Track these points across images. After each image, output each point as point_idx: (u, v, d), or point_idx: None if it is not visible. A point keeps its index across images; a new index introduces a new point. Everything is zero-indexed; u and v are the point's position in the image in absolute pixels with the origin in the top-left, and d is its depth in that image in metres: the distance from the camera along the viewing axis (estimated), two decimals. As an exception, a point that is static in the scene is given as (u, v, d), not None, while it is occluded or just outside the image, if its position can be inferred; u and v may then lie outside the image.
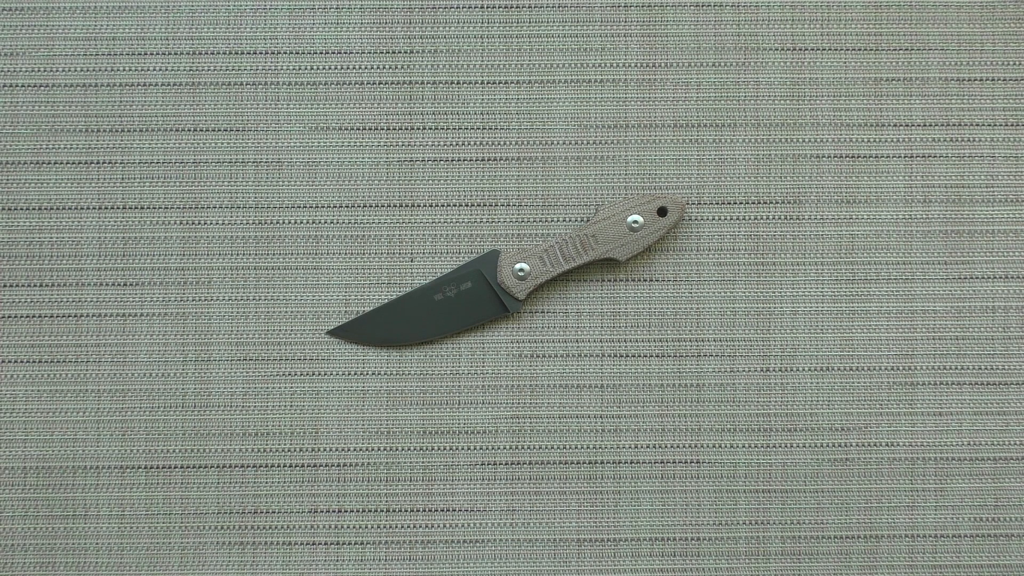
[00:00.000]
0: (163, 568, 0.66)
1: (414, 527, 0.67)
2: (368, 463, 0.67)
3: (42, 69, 0.67)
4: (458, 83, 0.67)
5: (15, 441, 0.66)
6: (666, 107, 0.67)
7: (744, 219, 0.67)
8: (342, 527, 0.67)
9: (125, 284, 0.67)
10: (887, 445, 0.67)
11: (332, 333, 0.67)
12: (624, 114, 0.67)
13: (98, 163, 0.67)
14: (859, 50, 0.67)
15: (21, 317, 0.66)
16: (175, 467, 0.66)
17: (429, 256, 0.67)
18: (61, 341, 0.66)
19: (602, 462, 0.67)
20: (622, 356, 0.67)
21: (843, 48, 0.67)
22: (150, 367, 0.66)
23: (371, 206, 0.67)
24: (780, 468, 0.67)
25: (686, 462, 0.67)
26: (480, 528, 0.67)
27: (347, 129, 0.67)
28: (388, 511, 0.67)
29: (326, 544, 0.67)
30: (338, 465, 0.67)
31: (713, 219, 0.67)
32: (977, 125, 0.67)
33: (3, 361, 0.66)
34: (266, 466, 0.67)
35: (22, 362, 0.66)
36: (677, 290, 0.67)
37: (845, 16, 0.67)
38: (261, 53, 0.67)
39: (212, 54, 0.67)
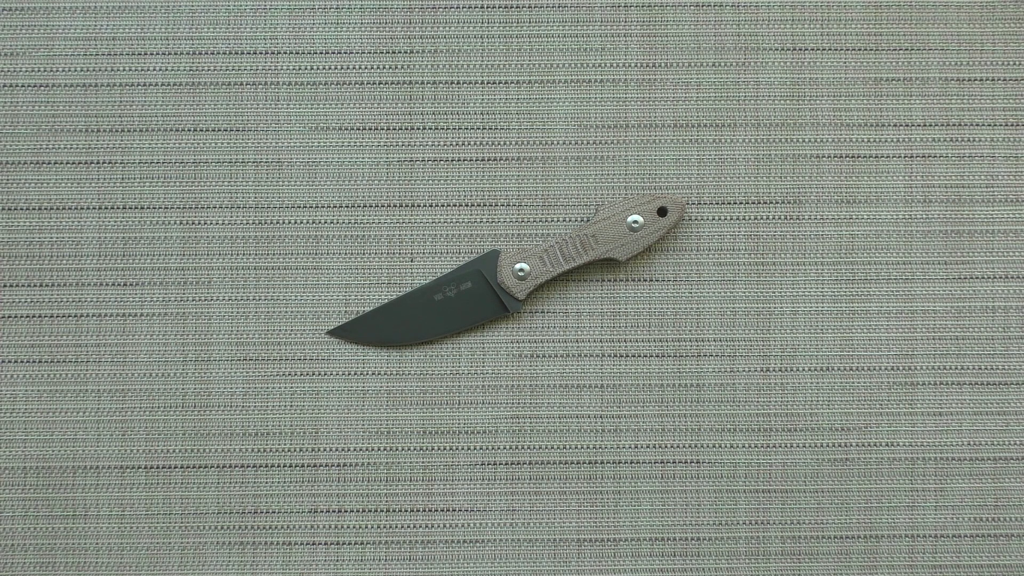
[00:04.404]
0: (163, 568, 0.66)
1: (414, 527, 0.67)
2: (368, 463, 0.67)
3: (42, 69, 0.67)
4: (458, 83, 0.67)
5: (15, 441, 0.66)
6: (666, 107, 0.67)
7: (744, 219, 0.67)
8: (342, 527, 0.67)
9: (125, 284, 0.67)
10: (887, 445, 0.67)
11: (332, 333, 0.67)
12: (624, 114, 0.67)
13: (98, 163, 0.67)
14: (859, 50, 0.67)
15: (21, 317, 0.66)
16: (175, 467, 0.66)
17: (429, 256, 0.67)
18: (61, 341, 0.66)
19: (602, 462, 0.67)
20: (622, 356, 0.67)
21: (843, 48, 0.67)
22: (150, 367, 0.66)
23: (371, 206, 0.67)
24: (780, 468, 0.67)
25: (686, 462, 0.67)
26: (480, 528, 0.67)
27: (347, 129, 0.67)
28: (388, 511, 0.67)
29: (326, 544, 0.67)
30: (338, 465, 0.67)
31: (713, 219, 0.67)
32: (977, 125, 0.67)
33: (3, 361, 0.66)
34: (266, 466, 0.67)
35: (22, 362, 0.66)
36: (677, 290, 0.67)
37: (845, 16, 0.67)
38: (261, 53, 0.67)
39: (212, 54, 0.67)
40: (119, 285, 0.66)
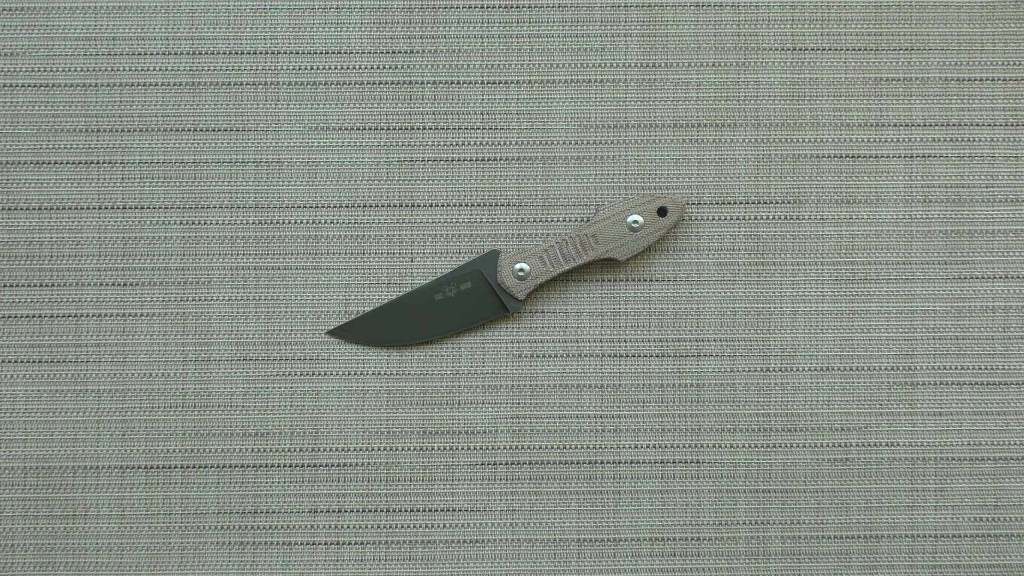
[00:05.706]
0: (163, 568, 0.66)
1: (414, 527, 0.67)
2: (368, 463, 0.67)
3: (42, 69, 0.67)
4: (458, 83, 0.67)
5: (15, 441, 0.66)
6: (666, 107, 0.67)
7: (744, 219, 0.67)
8: (342, 527, 0.67)
9: (125, 284, 0.67)
10: (887, 445, 0.67)
11: (332, 333, 0.67)
12: (624, 114, 0.67)
13: (98, 163, 0.67)
14: (859, 50, 0.67)
15: (21, 317, 0.66)
16: (175, 467, 0.66)
17: (429, 256, 0.67)
18: (61, 341, 0.66)
19: (602, 462, 0.67)
20: (622, 356, 0.67)
21: (843, 48, 0.67)
22: (150, 367, 0.66)
23: (371, 206, 0.67)
24: (780, 468, 0.67)
25: (686, 462, 0.67)
26: (480, 528, 0.67)
27: (347, 129, 0.67)
28: (388, 511, 0.67)
29: (326, 544, 0.67)
30: (338, 465, 0.67)
31: (713, 219, 0.67)
32: (977, 125, 0.67)
33: (3, 361, 0.66)
34: (266, 466, 0.67)
35: (22, 362, 0.66)
36: (677, 290, 0.67)
37: (845, 16, 0.67)
38: (261, 53, 0.67)
39: (212, 54, 0.67)
40: (119, 285, 0.66)
